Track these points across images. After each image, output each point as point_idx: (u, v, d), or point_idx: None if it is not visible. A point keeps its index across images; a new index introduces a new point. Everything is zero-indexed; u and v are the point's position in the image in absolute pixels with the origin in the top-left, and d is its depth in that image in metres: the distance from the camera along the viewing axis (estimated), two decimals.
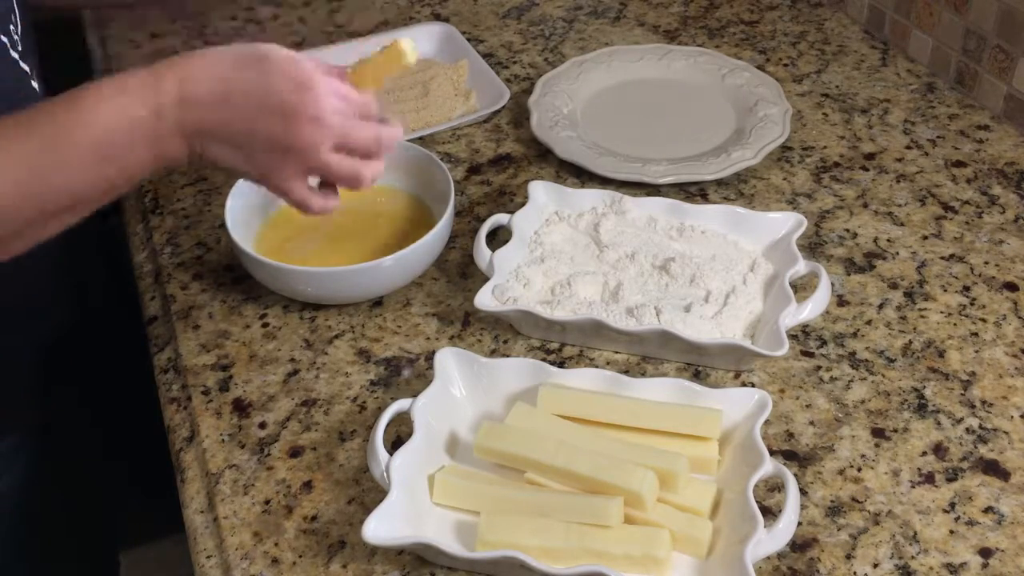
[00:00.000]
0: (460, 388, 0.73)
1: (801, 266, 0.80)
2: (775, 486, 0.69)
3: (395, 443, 0.71)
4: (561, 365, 0.78)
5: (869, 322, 0.82)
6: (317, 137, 0.65)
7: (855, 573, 0.65)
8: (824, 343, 0.80)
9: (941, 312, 0.83)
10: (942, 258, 0.88)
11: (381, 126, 0.69)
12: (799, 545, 0.66)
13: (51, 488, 0.96)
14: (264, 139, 0.65)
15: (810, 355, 0.79)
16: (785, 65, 1.13)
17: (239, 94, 0.63)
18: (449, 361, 0.73)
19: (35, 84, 0.82)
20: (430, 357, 0.78)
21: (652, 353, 0.79)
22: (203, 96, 0.63)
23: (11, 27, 0.79)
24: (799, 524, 0.66)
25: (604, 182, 0.94)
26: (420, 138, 1.00)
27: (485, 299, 0.79)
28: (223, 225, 0.83)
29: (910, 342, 0.80)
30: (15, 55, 0.79)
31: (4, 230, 0.62)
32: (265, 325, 0.83)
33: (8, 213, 0.61)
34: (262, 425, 0.75)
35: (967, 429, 0.74)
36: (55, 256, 0.91)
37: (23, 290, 0.87)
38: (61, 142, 0.61)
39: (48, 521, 0.97)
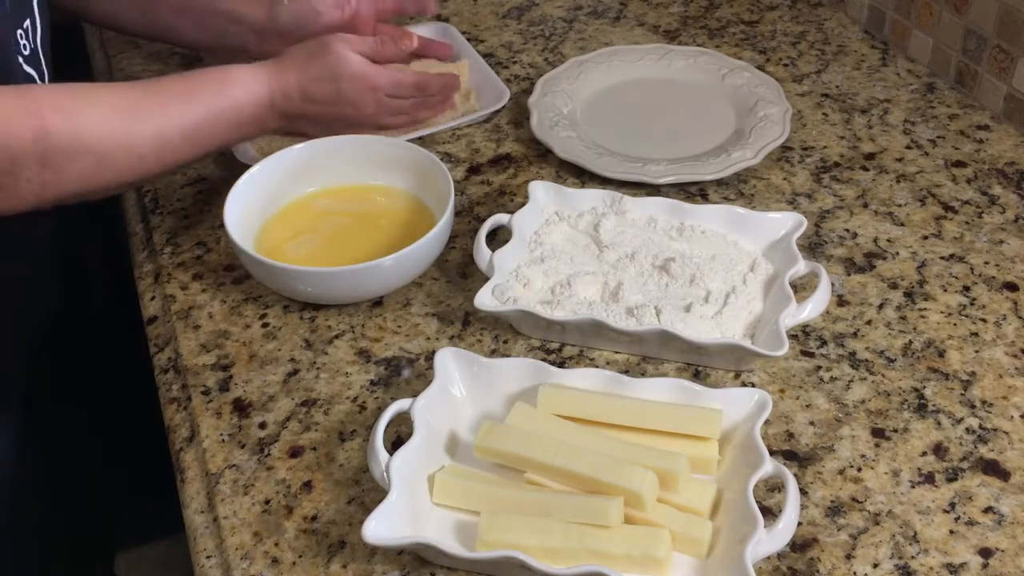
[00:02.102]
0: (460, 388, 0.73)
1: (801, 266, 0.80)
2: (775, 486, 0.69)
3: (395, 443, 0.71)
4: (561, 365, 0.78)
5: (869, 322, 0.82)
6: (377, 114, 0.93)
7: (855, 573, 0.65)
8: (824, 343, 0.80)
9: (941, 312, 0.83)
10: (942, 258, 0.88)
11: (419, 75, 0.96)
12: (799, 545, 0.66)
13: (44, 482, 0.96)
14: (341, 122, 0.92)
15: (810, 355, 0.79)
16: (785, 65, 1.13)
17: (320, 97, 0.88)
18: (449, 361, 0.73)
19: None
20: (430, 357, 0.78)
21: (652, 353, 0.79)
22: (296, 102, 0.87)
23: (19, 32, 0.80)
24: (799, 524, 0.66)
25: (604, 182, 0.94)
26: (420, 138, 1.00)
27: (485, 299, 0.79)
28: (223, 225, 0.82)
29: (910, 342, 0.80)
30: (20, 60, 0.80)
31: (130, 178, 0.77)
32: (265, 325, 0.83)
33: (144, 154, 0.77)
34: (262, 425, 0.75)
35: (967, 429, 0.74)
36: (51, 229, 0.92)
37: (17, 263, 0.87)
38: (214, 111, 0.81)
39: (42, 516, 0.97)
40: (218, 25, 0.97)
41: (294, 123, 0.89)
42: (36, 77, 0.83)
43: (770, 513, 0.67)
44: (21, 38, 0.81)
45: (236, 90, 0.82)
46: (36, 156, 0.71)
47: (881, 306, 0.83)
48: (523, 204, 0.87)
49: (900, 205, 0.93)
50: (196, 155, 0.81)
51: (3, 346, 0.89)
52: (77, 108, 0.73)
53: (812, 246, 0.89)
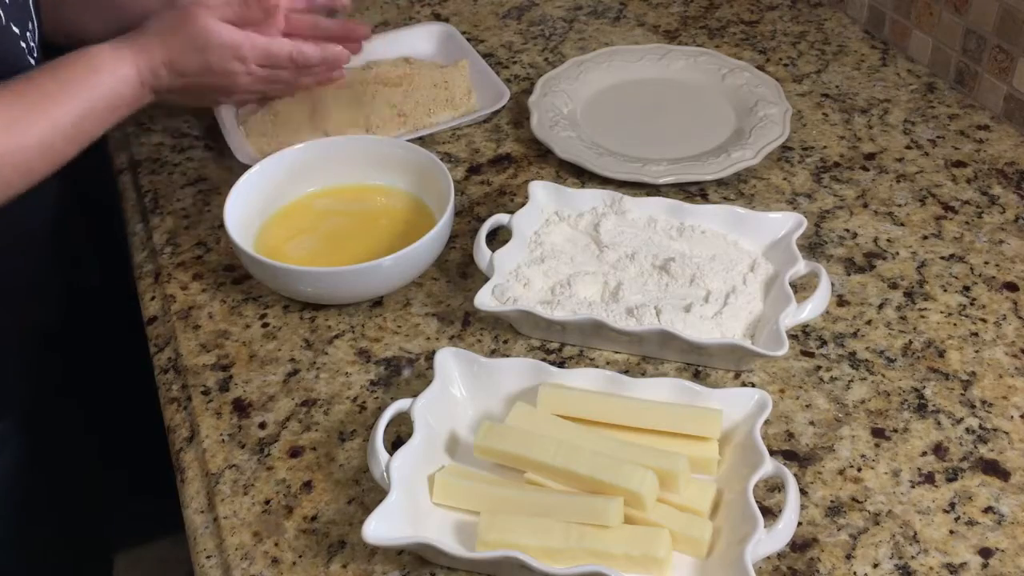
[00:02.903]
0: (460, 388, 0.73)
1: (801, 266, 0.80)
2: (775, 486, 0.69)
3: (395, 443, 0.71)
4: (561, 365, 0.78)
5: (869, 322, 0.82)
6: (251, 84, 0.88)
7: (855, 573, 0.65)
8: (824, 343, 0.80)
9: (941, 312, 0.83)
10: (942, 258, 0.88)
11: (292, 44, 0.88)
12: (799, 545, 0.66)
13: (42, 483, 0.96)
14: (215, 92, 0.89)
15: (810, 355, 0.79)
16: (785, 65, 1.13)
17: (188, 70, 0.84)
18: (449, 361, 0.73)
19: None
20: (430, 357, 0.78)
21: (652, 353, 0.79)
22: (165, 77, 0.83)
23: (28, 33, 0.80)
24: (799, 524, 0.66)
25: (604, 182, 0.94)
26: (420, 138, 1.00)
27: (485, 299, 0.79)
28: (223, 225, 0.82)
29: (910, 342, 0.80)
30: (31, 61, 0.80)
31: (20, 188, 0.75)
32: (265, 325, 0.83)
33: (33, 165, 0.75)
34: (262, 425, 0.75)
35: (967, 429, 0.74)
36: (47, 231, 0.91)
37: (13, 267, 0.87)
38: (92, 104, 0.78)
39: (39, 516, 0.97)
40: (116, 15, 0.93)
41: (167, 96, 0.86)
42: None
43: (770, 513, 0.67)
44: (30, 40, 0.81)
45: (105, 77, 0.80)
46: None
47: (881, 306, 0.83)
48: (523, 204, 0.87)
49: (900, 205, 0.93)
50: (79, 149, 0.80)
51: (2, 348, 0.89)
52: None
53: (812, 246, 0.89)
